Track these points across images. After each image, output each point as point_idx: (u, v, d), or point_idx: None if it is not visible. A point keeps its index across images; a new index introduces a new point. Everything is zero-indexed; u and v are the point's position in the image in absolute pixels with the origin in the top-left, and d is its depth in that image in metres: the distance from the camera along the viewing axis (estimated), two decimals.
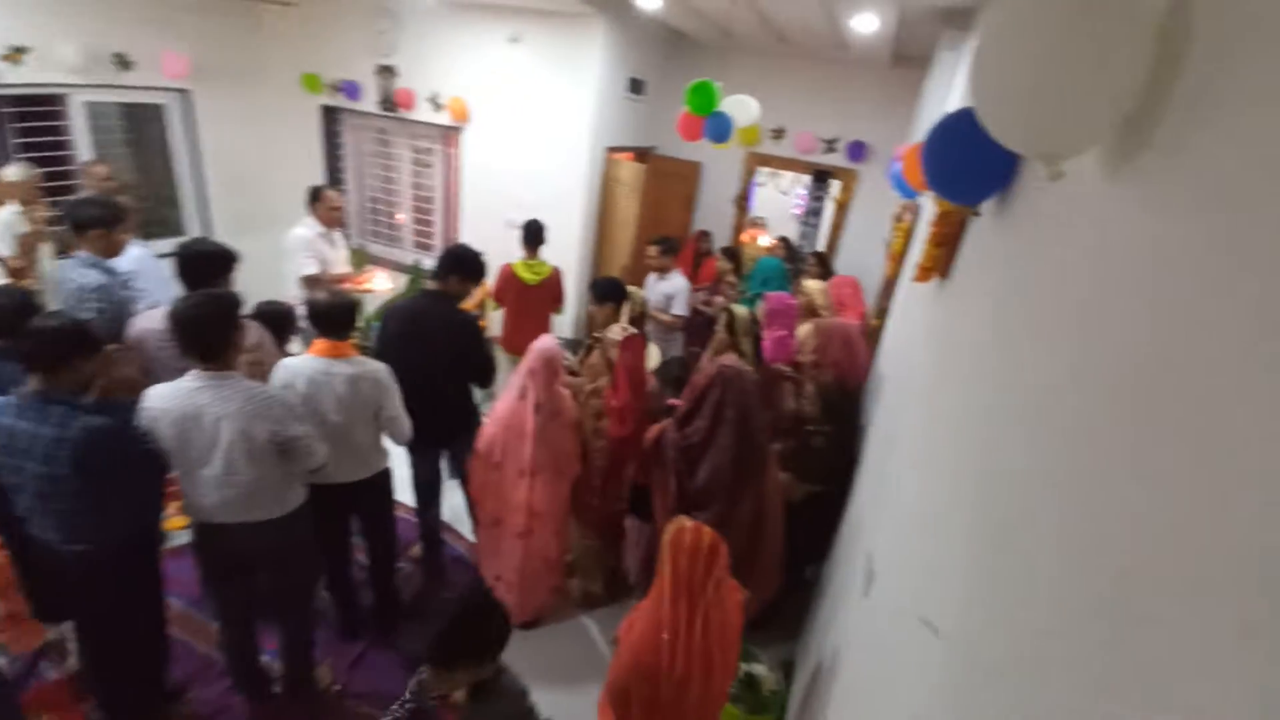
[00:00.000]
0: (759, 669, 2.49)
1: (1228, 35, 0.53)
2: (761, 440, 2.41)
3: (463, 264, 2.81)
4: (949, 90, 3.34)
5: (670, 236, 4.60)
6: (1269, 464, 0.41)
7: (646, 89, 5.48)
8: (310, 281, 3.56)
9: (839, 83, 5.34)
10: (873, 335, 4.30)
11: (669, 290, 4.18)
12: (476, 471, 2.55)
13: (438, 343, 2.72)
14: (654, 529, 2.61)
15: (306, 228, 3.66)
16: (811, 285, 3.85)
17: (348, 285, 3.60)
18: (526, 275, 3.96)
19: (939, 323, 1.77)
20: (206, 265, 2.50)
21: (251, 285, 2.68)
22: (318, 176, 5.61)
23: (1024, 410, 0.85)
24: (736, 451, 2.31)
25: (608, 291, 3.16)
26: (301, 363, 2.30)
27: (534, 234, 3.97)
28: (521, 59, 4.71)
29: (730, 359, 2.47)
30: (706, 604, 1.52)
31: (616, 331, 2.72)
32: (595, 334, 3.07)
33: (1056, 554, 0.65)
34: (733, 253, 4.98)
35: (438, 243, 5.68)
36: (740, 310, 3.17)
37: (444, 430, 2.87)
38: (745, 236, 6.22)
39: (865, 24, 3.65)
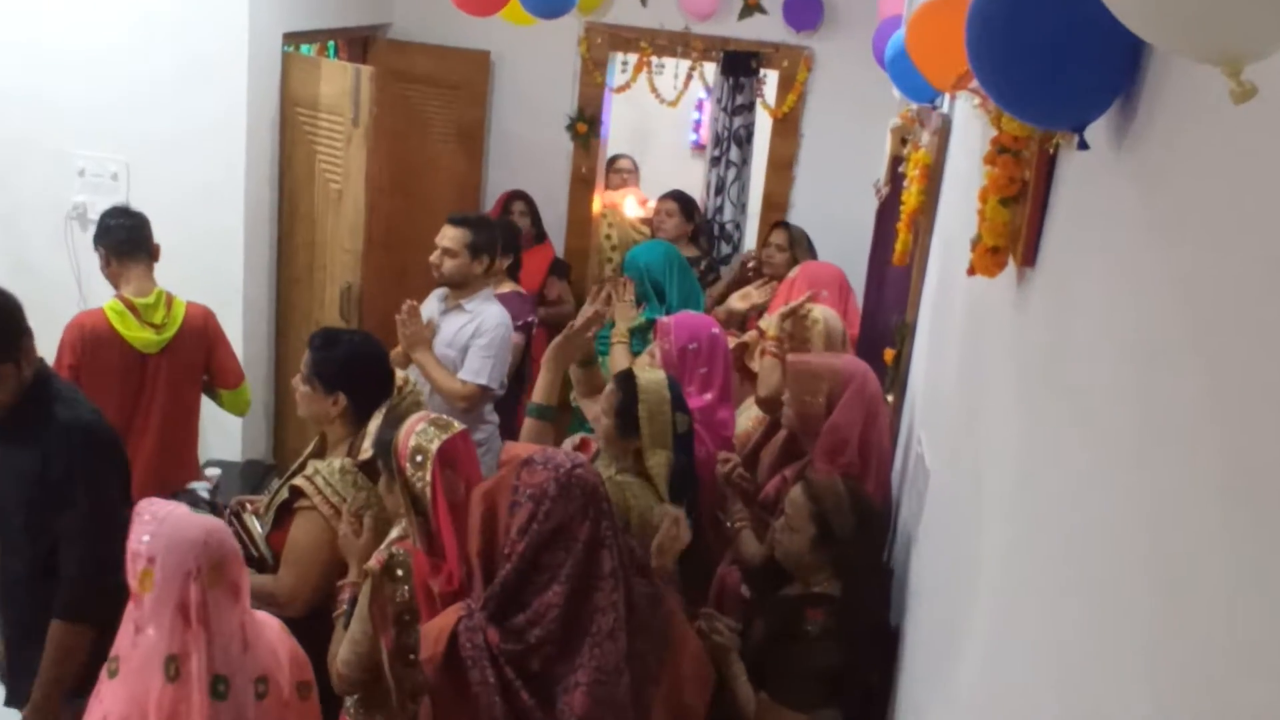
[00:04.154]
0: None
1: None
2: (651, 591, 1.82)
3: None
4: None
5: (485, 215, 3.50)
6: None
7: None
8: None
9: None
10: (882, 374, 2.99)
11: (473, 326, 2.97)
12: None
13: None
14: None
15: None
16: (825, 313, 2.80)
17: None
18: (135, 332, 2.67)
19: (1032, 345, 1.44)
20: None
21: None
22: None
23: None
24: (629, 642, 1.66)
25: (344, 374, 2.18)
26: None
27: (134, 239, 2.70)
28: None
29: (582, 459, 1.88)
30: None
31: (410, 434, 1.84)
32: (298, 483, 2.10)
33: None
34: (562, 266, 4.17)
35: None
36: (651, 378, 2.27)
37: None
38: (603, 202, 4.89)
39: None
